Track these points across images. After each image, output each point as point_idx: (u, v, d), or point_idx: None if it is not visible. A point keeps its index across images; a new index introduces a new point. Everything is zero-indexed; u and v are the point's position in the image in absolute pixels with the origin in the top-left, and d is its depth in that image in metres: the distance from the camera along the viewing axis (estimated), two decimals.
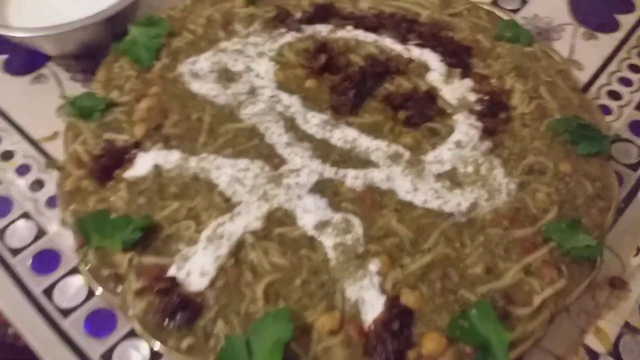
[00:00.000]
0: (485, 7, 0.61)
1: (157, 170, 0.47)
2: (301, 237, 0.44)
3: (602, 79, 0.63)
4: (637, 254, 0.50)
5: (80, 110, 0.51)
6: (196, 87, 0.54)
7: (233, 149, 0.49)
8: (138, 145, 0.49)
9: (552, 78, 0.54)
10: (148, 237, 0.43)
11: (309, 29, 0.59)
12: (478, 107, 0.52)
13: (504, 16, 0.60)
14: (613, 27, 0.69)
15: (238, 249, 0.43)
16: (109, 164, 0.48)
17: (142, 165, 0.48)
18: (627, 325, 0.46)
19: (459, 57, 0.55)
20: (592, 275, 0.42)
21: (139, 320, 0.40)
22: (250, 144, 0.49)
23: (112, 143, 0.50)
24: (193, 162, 0.48)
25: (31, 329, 0.47)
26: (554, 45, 0.66)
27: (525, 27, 0.61)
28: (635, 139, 0.58)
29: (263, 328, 0.38)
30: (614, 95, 0.62)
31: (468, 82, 0.54)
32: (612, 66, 0.65)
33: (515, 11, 0.70)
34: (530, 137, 0.50)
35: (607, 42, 0.67)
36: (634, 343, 0.45)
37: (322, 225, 0.44)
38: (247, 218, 0.44)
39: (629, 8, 0.71)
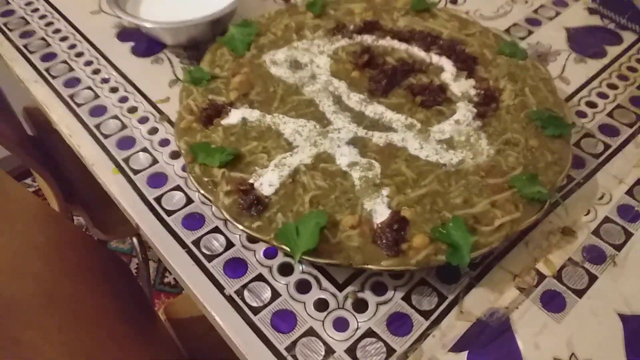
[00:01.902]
0: (494, 31, 0.80)
1: (244, 121, 0.69)
2: (337, 170, 0.63)
3: (584, 92, 0.81)
4: (587, 214, 0.67)
5: (193, 79, 0.74)
6: (274, 70, 0.76)
7: (296, 112, 0.70)
8: (232, 104, 0.71)
9: (536, 83, 0.73)
10: (235, 161, 0.64)
11: (358, 38, 0.80)
12: (476, 99, 0.71)
13: (508, 39, 0.79)
14: (601, 54, 0.87)
15: (295, 173, 0.63)
16: (212, 113, 0.69)
17: (234, 117, 0.69)
18: (570, 259, 0.63)
19: (467, 64, 0.75)
20: (539, 212, 0.59)
21: (226, 209, 0.60)
22: (308, 110, 0.70)
23: (214, 101, 0.71)
24: (268, 118, 0.69)
25: (147, 222, 0.68)
26: (549, 65, 0.84)
27: (524, 47, 0.79)
28: (601, 136, 0.75)
29: (307, 220, 0.58)
30: (591, 105, 0.79)
31: (471, 82, 0.73)
32: (594, 84, 0.82)
33: (522, 38, 0.89)
34: (511, 120, 0.68)
35: (593, 65, 0.85)
36: (573, 272, 0.62)
37: (352, 164, 0.64)
38: (302, 155, 0.65)
39: (618, 41, 0.89)
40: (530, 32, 0.90)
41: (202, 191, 0.62)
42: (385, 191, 0.61)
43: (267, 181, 0.62)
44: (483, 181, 0.62)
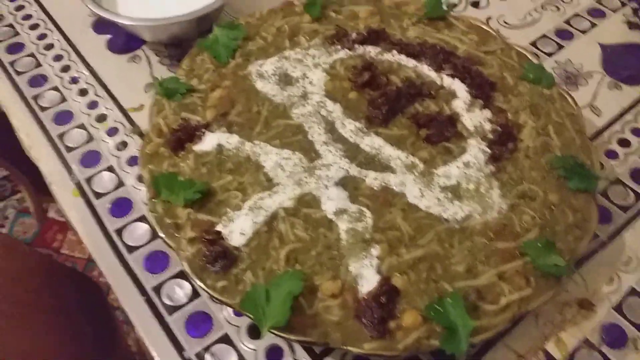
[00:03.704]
0: (518, 48, 0.69)
1: (219, 148, 0.59)
2: (322, 219, 0.54)
3: (616, 127, 0.70)
4: (609, 283, 0.58)
5: (166, 91, 0.64)
6: (260, 85, 0.66)
7: (280, 140, 0.60)
8: (207, 126, 0.61)
9: (561, 119, 0.62)
10: (204, 199, 0.55)
11: (360, 49, 0.70)
12: (490, 136, 0.61)
13: (534, 59, 0.68)
14: (638, 80, 0.75)
15: (271, 219, 0.54)
16: (183, 137, 0.60)
17: (208, 142, 0.60)
18: (586, 341, 0.54)
19: (483, 90, 0.64)
20: (555, 290, 0.50)
21: (188, 261, 0.52)
22: (294, 138, 0.61)
23: (187, 121, 0.62)
24: (248, 146, 0.59)
25: (104, 258, 0.60)
26: (579, 90, 0.74)
27: (552, 71, 0.68)
28: (633, 184, 0.65)
29: (281, 282, 0.49)
30: (624, 143, 0.69)
31: (487, 113, 0.63)
32: (628, 116, 0.71)
33: (550, 54, 0.78)
34: (530, 167, 0.58)
35: (629, 93, 0.74)
36: (587, 356, 0.54)
37: (340, 212, 0.55)
38: (282, 197, 0.55)
39: None
40: (559, 47, 0.79)
41: (162, 235, 0.54)
42: (375, 250, 0.52)
43: (238, 228, 0.53)
44: (491, 245, 0.53)
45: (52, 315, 0.64)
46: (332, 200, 0.55)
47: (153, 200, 0.56)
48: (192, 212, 0.54)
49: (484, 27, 0.72)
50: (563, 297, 0.56)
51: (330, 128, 0.62)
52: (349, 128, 0.62)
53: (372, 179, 0.57)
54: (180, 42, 0.78)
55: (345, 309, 0.49)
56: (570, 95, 0.65)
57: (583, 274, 0.57)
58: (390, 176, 0.58)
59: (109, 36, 0.81)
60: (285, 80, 0.66)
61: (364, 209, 0.55)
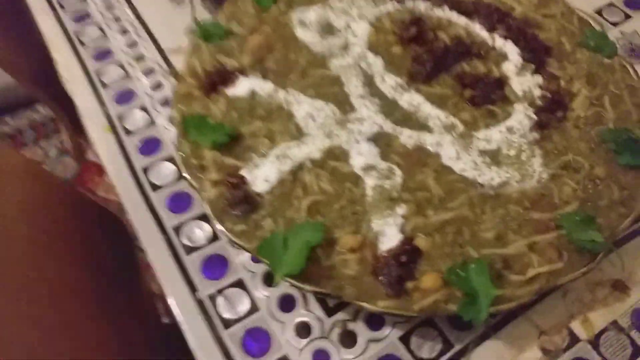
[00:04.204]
0: (580, 13, 0.64)
1: (252, 94, 0.58)
2: (349, 173, 0.52)
3: None
4: None
5: (204, 33, 0.63)
6: (300, 33, 0.63)
7: (315, 90, 0.58)
8: (242, 71, 0.60)
9: (619, 91, 0.57)
10: (232, 143, 0.54)
11: (409, 2, 0.66)
12: (539, 102, 0.57)
13: (596, 26, 0.63)
14: None
15: (297, 169, 0.52)
16: (217, 80, 0.59)
17: (242, 87, 0.58)
18: (615, 323, 0.51)
19: (537, 55, 0.60)
20: (588, 267, 0.47)
21: (210, 203, 0.51)
22: (330, 89, 0.58)
23: (222, 64, 0.60)
24: (281, 94, 0.58)
25: (129, 194, 0.60)
26: None
27: (615, 40, 0.63)
28: None
29: (300, 231, 0.48)
30: None
31: (538, 78, 0.59)
32: None
33: (615, 24, 0.72)
34: (578, 138, 0.54)
35: None
36: (615, 339, 0.50)
37: (369, 167, 0.52)
38: (311, 148, 0.54)
39: None
40: (627, 17, 0.73)
41: (186, 175, 0.53)
42: (401, 209, 0.50)
43: (262, 175, 0.52)
44: (526, 214, 0.50)
45: (76, 246, 0.65)
46: (362, 156, 0.53)
47: (181, 140, 0.55)
48: (219, 155, 0.53)
49: None
50: (596, 275, 0.53)
51: (369, 82, 0.59)
52: (388, 83, 0.59)
53: (407, 136, 0.55)
54: None
55: (363, 265, 0.47)
56: (632, 68, 0.60)
57: (621, 255, 0.53)
58: (427, 135, 0.55)
59: None
60: (327, 29, 0.64)
61: (394, 167, 0.52)
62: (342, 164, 0.53)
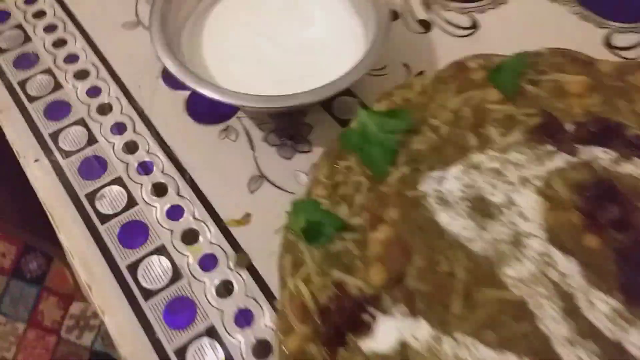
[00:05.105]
0: None
1: (402, 348, 0.37)
2: None
3: None
4: None
5: (305, 230, 0.41)
6: (444, 219, 0.42)
7: (496, 332, 0.38)
8: (376, 300, 0.39)
9: None
10: None
11: (584, 151, 0.46)
12: None
13: None
14: None
15: None
16: (339, 321, 0.38)
17: (384, 336, 0.37)
18: None
19: None
20: None
21: None
22: (518, 329, 0.38)
23: (343, 288, 0.39)
24: (447, 346, 0.37)
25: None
26: None
27: None
28: None
29: None
30: None
31: None
32: None
33: None
34: None
35: None
36: None
37: None
38: None
39: None
40: None
41: None
42: None
43: None
44: None
45: None
46: None
47: None
48: None
49: None
50: None
51: (571, 309, 0.39)
52: (599, 309, 0.39)
53: None
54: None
55: None
56: None
57: None
58: None
59: (186, 93, 0.58)
60: (481, 209, 0.43)
61: None
62: None
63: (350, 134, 0.46)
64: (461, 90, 0.49)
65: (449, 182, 0.44)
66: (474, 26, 0.62)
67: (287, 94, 0.47)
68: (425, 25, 0.63)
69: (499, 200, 0.43)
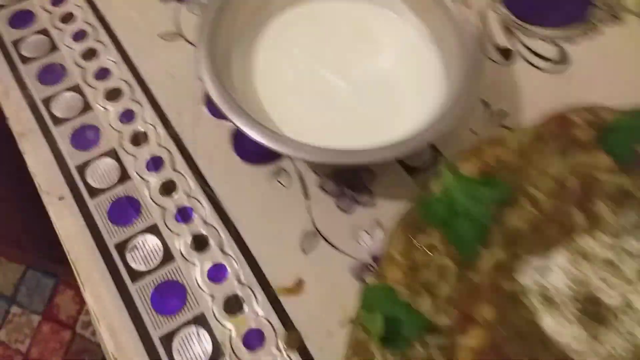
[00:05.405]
0: None
1: None
2: None
3: None
4: None
5: (382, 330, 0.34)
6: (550, 323, 0.35)
7: None
8: None
9: None
10: None
11: None
12: None
13: None
14: None
15: None
16: None
17: None
18: None
19: None
20: None
21: None
22: None
23: None
24: None
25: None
26: None
27: None
28: None
29: None
30: None
31: None
32: None
33: None
34: None
35: None
36: None
37: None
38: None
39: None
40: None
41: None
42: None
43: None
44: None
45: None
46: None
47: None
48: None
49: None
50: None
51: None
52: None
53: None
54: None
55: None
56: None
57: None
58: None
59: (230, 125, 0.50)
60: (592, 312, 0.35)
61: None
62: None
63: (433, 204, 0.38)
64: (565, 153, 0.41)
65: (554, 275, 0.36)
66: (563, 60, 0.53)
67: (356, 144, 0.40)
68: (505, 53, 0.55)
69: (614, 302, 0.36)
